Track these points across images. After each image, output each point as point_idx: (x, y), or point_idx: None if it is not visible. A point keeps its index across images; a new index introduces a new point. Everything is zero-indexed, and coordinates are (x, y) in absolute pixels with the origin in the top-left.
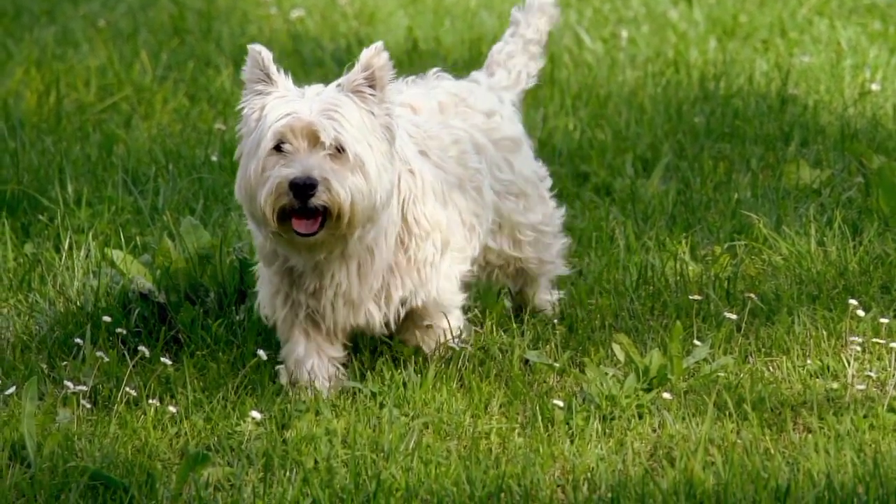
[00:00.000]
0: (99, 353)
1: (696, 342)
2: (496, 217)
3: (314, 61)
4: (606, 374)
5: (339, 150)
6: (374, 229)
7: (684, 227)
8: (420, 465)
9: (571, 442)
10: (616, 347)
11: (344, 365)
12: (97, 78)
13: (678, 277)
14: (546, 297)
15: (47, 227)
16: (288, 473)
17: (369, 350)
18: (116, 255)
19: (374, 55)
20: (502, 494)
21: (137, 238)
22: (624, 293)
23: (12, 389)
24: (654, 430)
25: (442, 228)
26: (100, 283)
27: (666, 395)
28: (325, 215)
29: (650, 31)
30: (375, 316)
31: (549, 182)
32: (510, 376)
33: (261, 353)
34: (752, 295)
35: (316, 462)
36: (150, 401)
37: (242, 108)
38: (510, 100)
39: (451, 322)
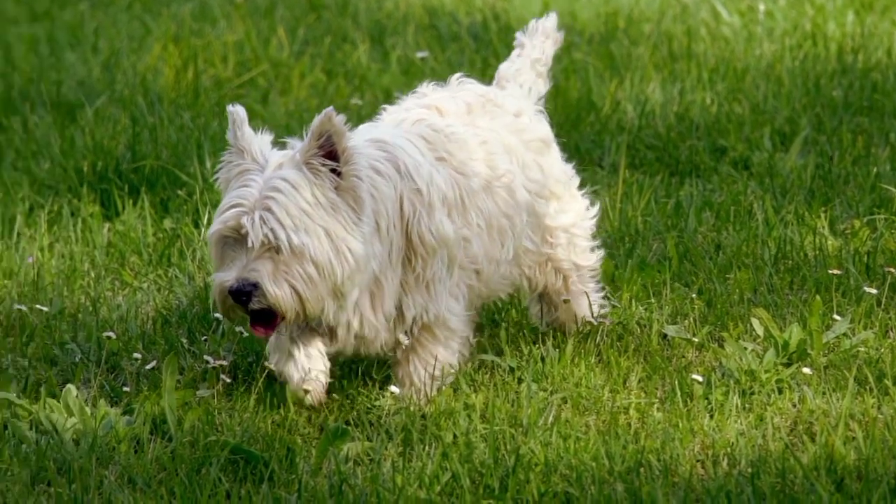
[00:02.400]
0: (238, 328)
1: (836, 317)
2: (531, 217)
3: (450, 36)
4: (745, 348)
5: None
6: (360, 284)
7: (823, 200)
8: (559, 440)
9: (711, 417)
10: (755, 322)
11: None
12: (235, 53)
13: (817, 252)
14: (585, 305)
15: (186, 203)
16: (427, 448)
17: (508, 325)
18: None
19: (326, 121)
20: (641, 469)
21: None
22: (763, 267)
23: (153, 364)
24: (794, 406)
25: (448, 244)
26: None
27: (806, 370)
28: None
29: (787, 4)
30: (389, 342)
31: (576, 181)
32: (649, 351)
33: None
34: (893, 269)
35: (455, 437)
36: None
37: (217, 177)
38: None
39: (441, 354)
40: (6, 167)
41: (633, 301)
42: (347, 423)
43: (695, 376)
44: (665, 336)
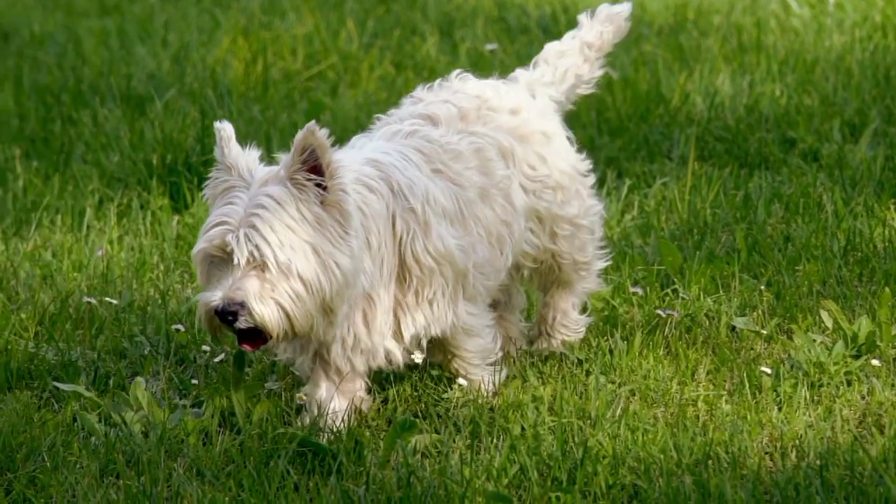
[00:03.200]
0: None
1: None
2: (536, 216)
3: (519, 28)
4: (814, 340)
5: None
6: (350, 298)
7: (893, 192)
8: (627, 433)
9: (779, 409)
10: (824, 314)
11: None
12: (304, 46)
13: (887, 243)
14: (573, 314)
15: None
16: (495, 440)
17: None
18: None
19: (308, 136)
20: (710, 462)
21: None
22: (832, 259)
23: (221, 357)
24: (863, 398)
25: (451, 259)
26: None
27: (875, 362)
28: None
29: None
30: (396, 353)
31: (590, 179)
32: (717, 343)
33: None
34: None
35: (523, 429)
36: None
37: (204, 193)
38: (548, 95)
39: (471, 347)
40: (76, 160)
41: (702, 293)
42: (415, 415)
43: (763, 368)
44: (734, 328)
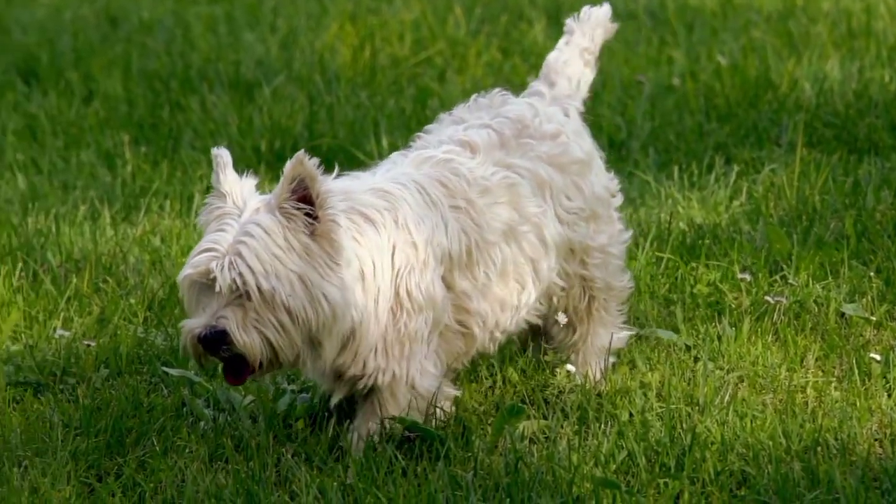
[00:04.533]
0: None
1: None
2: (569, 247)
3: (627, 14)
4: None
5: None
6: (338, 333)
7: None
8: (735, 419)
9: (889, 396)
10: None
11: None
12: (411, 32)
13: None
14: (604, 337)
15: None
16: (602, 426)
17: (684, 303)
18: None
19: (298, 165)
20: (819, 448)
21: None
22: None
23: None
24: None
25: (435, 306)
26: None
27: None
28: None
29: None
30: (339, 393)
31: (618, 200)
32: (826, 330)
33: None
34: None
35: (631, 415)
36: None
37: (199, 219)
38: (576, 108)
39: (392, 412)
40: (184, 146)
41: (811, 279)
42: (523, 401)
43: (873, 355)
44: (843, 315)
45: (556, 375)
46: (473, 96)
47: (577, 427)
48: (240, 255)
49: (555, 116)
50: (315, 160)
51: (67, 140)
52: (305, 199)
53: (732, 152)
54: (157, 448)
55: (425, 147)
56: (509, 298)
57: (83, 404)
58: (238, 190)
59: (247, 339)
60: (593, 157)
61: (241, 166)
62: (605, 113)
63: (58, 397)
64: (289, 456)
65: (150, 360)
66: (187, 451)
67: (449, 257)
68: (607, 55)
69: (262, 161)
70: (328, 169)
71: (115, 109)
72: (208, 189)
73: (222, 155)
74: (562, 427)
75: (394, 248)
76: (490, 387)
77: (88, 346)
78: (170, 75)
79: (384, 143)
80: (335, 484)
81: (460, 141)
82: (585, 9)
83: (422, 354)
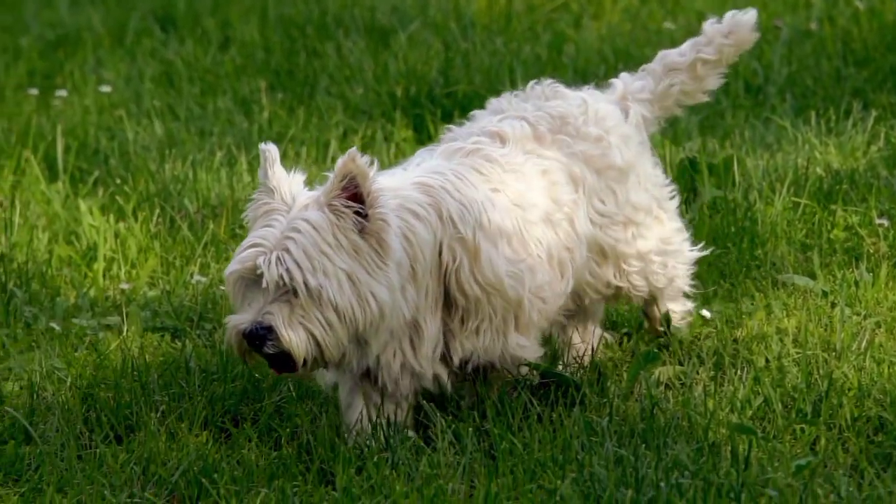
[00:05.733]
0: None
1: None
2: (599, 250)
3: None
4: None
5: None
6: (388, 330)
7: None
8: (872, 365)
9: None
10: None
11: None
12: None
13: None
14: (674, 307)
15: None
16: (738, 372)
17: (821, 249)
18: None
19: (349, 162)
20: None
21: None
22: None
23: None
24: None
25: (501, 288)
26: None
27: None
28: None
29: None
30: (443, 376)
31: (671, 203)
32: None
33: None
34: None
35: (767, 361)
36: None
37: (246, 214)
38: (641, 113)
39: (514, 373)
40: (320, 92)
41: None
42: (659, 347)
43: None
44: None
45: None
46: (531, 83)
47: (712, 373)
48: (287, 250)
49: (606, 117)
50: (367, 157)
51: (204, 87)
52: (355, 196)
53: (870, 97)
54: (293, 394)
55: (454, 139)
56: (557, 284)
57: (220, 350)
58: (286, 185)
59: (293, 336)
60: (633, 167)
61: (376, 112)
62: (741, 58)
63: (195, 343)
64: (425, 401)
65: None
66: (322, 396)
67: (502, 233)
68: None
69: (397, 107)
70: (462, 115)
71: (251, 56)
72: (345, 134)
73: (270, 150)
74: (697, 373)
75: (440, 244)
76: (625, 333)
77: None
78: (306, 21)
79: (519, 89)
80: (471, 429)
81: (490, 132)
82: (730, 15)
83: (502, 336)
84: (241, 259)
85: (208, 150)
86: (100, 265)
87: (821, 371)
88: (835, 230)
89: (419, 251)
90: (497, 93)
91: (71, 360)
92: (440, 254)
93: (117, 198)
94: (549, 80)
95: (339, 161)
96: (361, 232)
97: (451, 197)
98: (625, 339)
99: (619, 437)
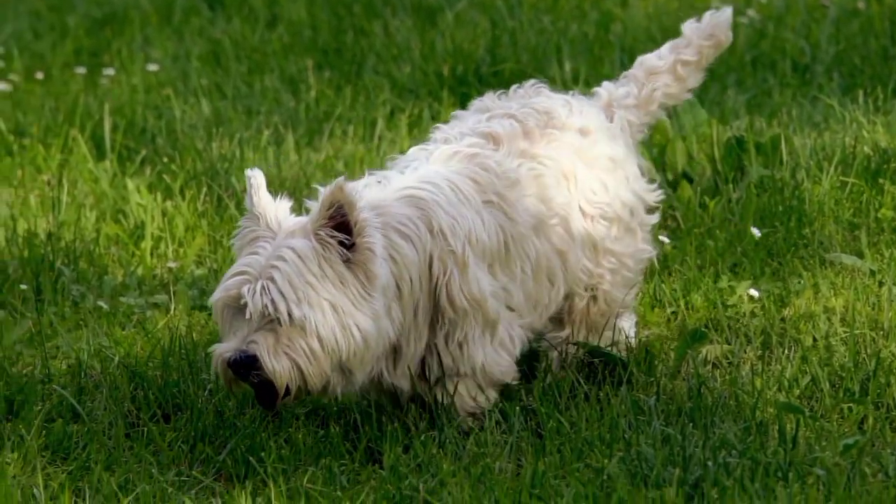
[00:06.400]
0: None
1: None
2: (591, 242)
3: None
4: None
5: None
6: (368, 362)
7: None
8: None
9: None
10: None
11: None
12: None
13: None
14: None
15: None
16: (786, 351)
17: (869, 228)
18: None
19: (337, 191)
20: None
21: None
22: None
23: None
24: None
25: (483, 304)
26: None
27: None
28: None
29: None
30: (405, 389)
31: (653, 218)
32: None
33: (754, 231)
34: None
35: (814, 340)
36: None
37: (233, 242)
38: (627, 119)
39: (487, 397)
40: (367, 71)
41: None
42: (706, 325)
43: None
44: None
45: (741, 301)
46: (513, 87)
47: (760, 352)
48: (272, 279)
49: (590, 115)
50: (353, 185)
51: (251, 65)
52: (342, 225)
53: None
54: None
55: (446, 139)
56: (542, 296)
57: None
58: (272, 212)
59: (276, 366)
60: (624, 161)
61: (423, 91)
62: (788, 36)
63: None
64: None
65: None
66: None
67: (486, 253)
68: None
69: (444, 86)
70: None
71: (298, 34)
72: (392, 113)
73: (255, 176)
74: (745, 352)
75: (430, 258)
76: (673, 312)
77: None
78: (353, 0)
79: (566, 67)
80: (517, 408)
81: (483, 133)
82: (708, 14)
83: (482, 350)
84: (225, 287)
85: (255, 128)
86: (147, 244)
87: (868, 350)
88: (882, 209)
89: (405, 271)
90: (544, 72)
91: (119, 338)
92: (430, 266)
93: (164, 176)
94: (533, 81)
95: (326, 190)
96: (347, 262)
97: (444, 211)
98: (672, 316)
99: (667, 416)
